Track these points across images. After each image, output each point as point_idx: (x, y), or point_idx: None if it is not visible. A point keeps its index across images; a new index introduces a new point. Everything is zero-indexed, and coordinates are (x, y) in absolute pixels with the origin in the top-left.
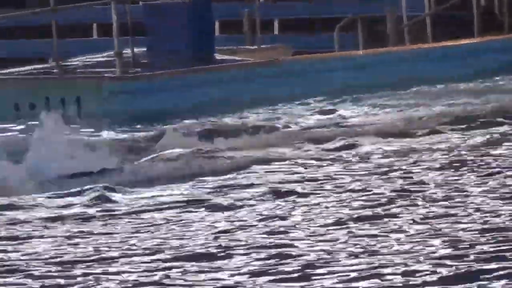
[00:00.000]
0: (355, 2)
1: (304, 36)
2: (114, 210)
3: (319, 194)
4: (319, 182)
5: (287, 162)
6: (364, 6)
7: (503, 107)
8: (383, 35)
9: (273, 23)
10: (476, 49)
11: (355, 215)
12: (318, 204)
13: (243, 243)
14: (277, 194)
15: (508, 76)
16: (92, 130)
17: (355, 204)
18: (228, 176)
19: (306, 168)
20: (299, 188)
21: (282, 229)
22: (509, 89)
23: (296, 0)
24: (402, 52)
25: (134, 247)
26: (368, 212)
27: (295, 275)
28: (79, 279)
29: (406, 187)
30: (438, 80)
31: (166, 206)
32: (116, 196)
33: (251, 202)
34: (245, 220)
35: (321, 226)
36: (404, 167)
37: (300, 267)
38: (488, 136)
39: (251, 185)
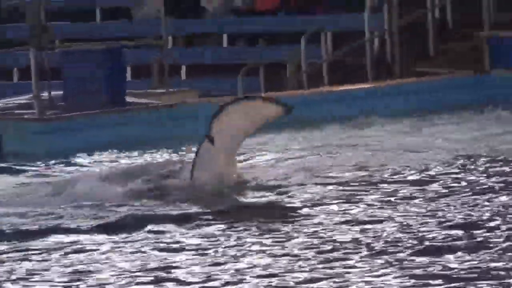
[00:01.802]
0: (258, 49)
1: (210, 81)
2: None
3: None
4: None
5: None
6: (267, 53)
7: None
8: (284, 80)
9: (181, 68)
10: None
11: None
12: None
13: None
14: None
15: None
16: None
17: None
18: None
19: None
20: None
21: None
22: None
23: (203, 47)
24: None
25: None
26: None
27: None
28: None
29: None
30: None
31: None
32: None
33: None
34: None
35: None
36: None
37: None
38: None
39: None
